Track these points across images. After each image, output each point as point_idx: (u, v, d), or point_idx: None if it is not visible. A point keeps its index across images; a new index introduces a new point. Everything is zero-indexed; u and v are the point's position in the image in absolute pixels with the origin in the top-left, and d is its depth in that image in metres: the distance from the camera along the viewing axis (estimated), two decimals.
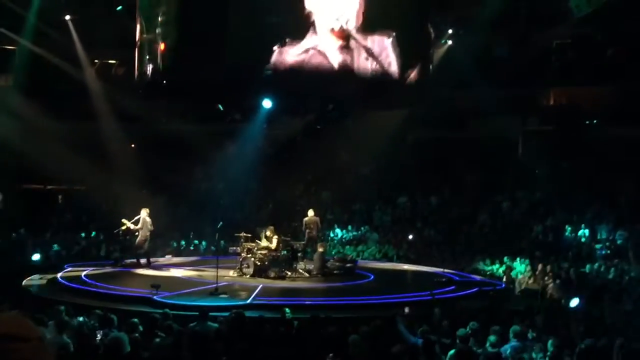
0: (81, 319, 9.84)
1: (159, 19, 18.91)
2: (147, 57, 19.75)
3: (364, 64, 19.56)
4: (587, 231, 20.87)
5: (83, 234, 22.63)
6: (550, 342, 8.86)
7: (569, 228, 21.30)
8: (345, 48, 19.34)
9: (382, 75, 18.90)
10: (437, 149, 26.60)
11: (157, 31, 18.72)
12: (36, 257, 18.92)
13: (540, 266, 18.33)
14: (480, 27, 20.94)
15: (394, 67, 19.37)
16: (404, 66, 19.42)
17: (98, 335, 8.78)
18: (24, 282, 15.85)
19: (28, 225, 21.54)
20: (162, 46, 18.89)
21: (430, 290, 13.55)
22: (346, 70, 18.35)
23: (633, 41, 23.13)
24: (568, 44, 26.07)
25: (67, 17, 22.67)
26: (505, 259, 19.57)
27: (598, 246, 20.20)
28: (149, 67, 19.48)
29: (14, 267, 17.92)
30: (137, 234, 17.89)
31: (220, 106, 21.62)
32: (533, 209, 23.15)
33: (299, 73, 17.94)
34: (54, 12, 22.06)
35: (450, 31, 22.28)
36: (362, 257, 22.02)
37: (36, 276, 16.71)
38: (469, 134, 26.39)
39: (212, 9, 17.44)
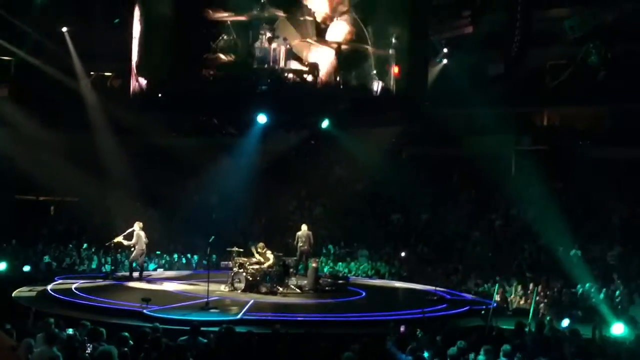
0: (71, 331, 9.76)
1: (156, 31, 18.94)
2: (143, 69, 19.76)
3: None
4: (579, 252, 20.87)
5: (74, 246, 22.52)
6: None
7: (561, 248, 21.31)
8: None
9: (377, 92, 18.93)
10: (431, 166, 26.68)
11: (153, 44, 18.72)
12: (26, 268, 18.81)
13: (531, 286, 18.33)
14: (475, 47, 21.08)
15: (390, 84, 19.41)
16: (400, 83, 19.47)
17: (88, 349, 8.71)
18: (13, 294, 15.74)
19: (19, 236, 21.43)
20: (158, 59, 18.89)
21: (422, 309, 13.56)
22: (341, 86, 18.40)
23: (626, 62, 23.30)
24: (562, 65, 26.24)
25: (64, 29, 22.71)
26: (497, 277, 19.55)
27: (590, 266, 20.19)
28: (144, 80, 19.47)
29: (4, 277, 17.81)
30: (132, 249, 17.82)
31: (214, 120, 21.63)
32: (525, 228, 23.17)
33: (295, 88, 17.96)
34: (50, 24, 22.10)
35: (445, 50, 22.42)
36: (354, 273, 22.00)
37: (26, 288, 16.62)
38: (463, 152, 26.49)
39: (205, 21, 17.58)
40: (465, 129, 25.99)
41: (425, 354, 9.29)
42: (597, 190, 22.97)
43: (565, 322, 13.86)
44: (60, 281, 17.50)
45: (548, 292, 17.76)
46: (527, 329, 12.63)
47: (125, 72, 22.25)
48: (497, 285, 19.19)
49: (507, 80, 24.18)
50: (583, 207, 23.01)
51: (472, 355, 9.38)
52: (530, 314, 14.50)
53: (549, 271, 19.78)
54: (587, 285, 18.51)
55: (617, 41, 22.89)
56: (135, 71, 19.06)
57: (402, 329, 11.14)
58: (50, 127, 22.97)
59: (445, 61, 22.78)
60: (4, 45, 22.82)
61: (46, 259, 21.16)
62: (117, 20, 21.39)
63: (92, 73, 25.22)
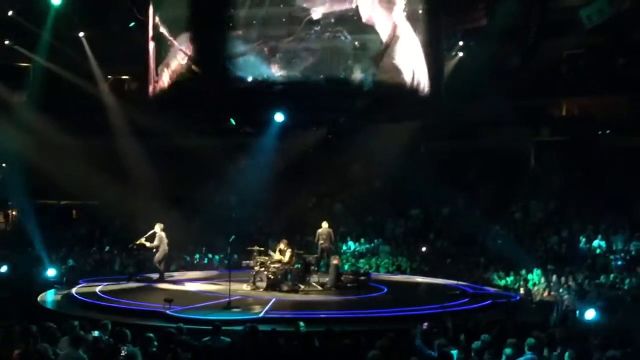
0: (97, 333, 9.85)
1: (171, 35, 19.06)
2: (160, 72, 19.90)
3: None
4: (602, 242, 20.71)
5: (97, 249, 22.73)
6: (567, 354, 8.79)
7: (584, 239, 21.16)
8: None
9: (394, 87, 18.88)
10: (450, 160, 26.56)
11: (169, 46, 18.85)
12: (51, 272, 19.01)
13: (554, 277, 18.23)
14: (491, 38, 20.93)
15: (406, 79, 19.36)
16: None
17: (123, 351, 8.75)
18: (38, 298, 15.92)
19: (43, 240, 21.66)
20: (174, 61, 18.99)
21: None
22: (359, 82, 18.38)
23: None
24: (579, 54, 26.02)
25: (81, 34, 22.90)
26: (520, 270, 19.45)
27: (613, 257, 20.05)
28: (162, 82, 19.59)
29: (29, 282, 18.02)
30: (155, 250, 17.94)
31: (232, 120, 21.70)
32: (547, 220, 23.03)
33: (311, 86, 17.97)
34: (67, 29, 22.28)
35: (461, 43, 22.28)
36: (375, 269, 22.00)
37: (51, 291, 16.81)
38: (481, 145, 26.35)
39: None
40: (483, 122, 25.86)
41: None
42: (618, 180, 22.78)
43: (590, 314, 13.75)
44: (84, 284, 17.66)
45: (572, 284, 17.62)
46: (551, 322, 12.57)
47: (142, 75, 22.45)
48: (519, 277, 19.14)
49: (524, 72, 24.01)
50: (604, 198, 22.80)
51: (492, 351, 9.34)
52: (555, 306, 14.42)
53: (572, 263, 19.66)
54: (612, 276, 18.39)
55: (634, 29, 22.64)
56: (153, 73, 19.20)
57: (424, 325, 11.11)
58: (69, 131, 23.14)
59: (460, 54, 22.63)
60: (21, 52, 23.05)
61: (70, 262, 21.37)
62: (132, 24, 21.49)
63: (109, 77, 25.40)
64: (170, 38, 18.78)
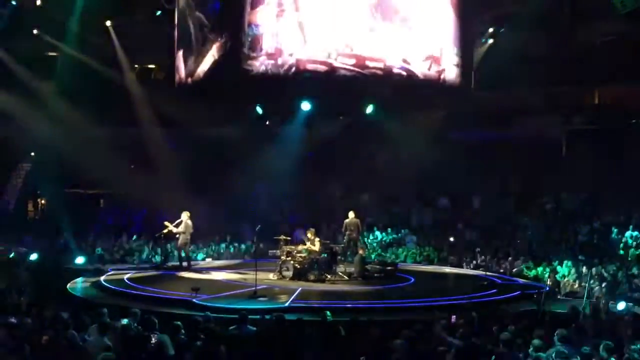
0: (126, 321, 9.88)
1: (198, 22, 19.03)
2: (187, 61, 19.89)
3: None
4: (635, 232, 20.30)
5: (125, 237, 22.89)
6: (602, 345, 8.60)
7: (616, 230, 20.76)
8: None
9: (422, 75, 18.68)
10: (479, 150, 26.20)
11: (193, 36, 18.84)
12: (80, 260, 19.19)
13: (584, 269, 17.91)
14: (521, 25, 20.56)
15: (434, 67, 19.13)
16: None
17: (153, 338, 8.75)
18: (68, 285, 16.07)
19: (71, 229, 21.87)
20: (200, 50, 18.97)
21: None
22: (385, 70, 18.17)
23: None
24: (613, 41, 25.45)
25: (108, 23, 22.98)
26: (550, 261, 19.15)
27: None
28: (189, 71, 19.59)
29: (58, 270, 18.20)
30: (178, 236, 18.02)
31: (259, 109, 21.64)
32: (578, 211, 22.65)
33: (338, 75, 17.83)
34: (95, 19, 22.36)
35: (490, 30, 21.93)
36: (402, 259, 21.84)
37: (80, 279, 16.96)
38: (511, 134, 25.96)
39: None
40: (513, 110, 25.47)
41: None
42: None
43: (622, 305, 13.49)
44: (112, 272, 17.79)
45: (604, 275, 17.30)
46: (581, 313, 12.35)
47: (168, 64, 22.48)
48: (548, 268, 18.85)
49: (555, 59, 23.57)
50: (637, 188, 22.33)
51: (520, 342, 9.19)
52: (585, 297, 14.15)
53: (604, 253, 19.31)
54: None
55: None
56: (179, 62, 19.21)
57: (452, 319, 10.97)
58: (96, 120, 23.29)
59: (491, 41, 22.28)
60: (49, 41, 23.21)
61: (99, 250, 21.58)
62: (159, 13, 21.51)
63: (136, 66, 25.49)
64: (195, 27, 18.72)
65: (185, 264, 18.33)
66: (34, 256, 19.19)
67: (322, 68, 18.08)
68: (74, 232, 21.69)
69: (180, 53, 20.57)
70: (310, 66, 18.12)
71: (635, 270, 17.79)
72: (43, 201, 27.33)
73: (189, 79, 19.91)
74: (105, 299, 14.30)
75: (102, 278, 16.62)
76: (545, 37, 22.84)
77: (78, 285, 16.38)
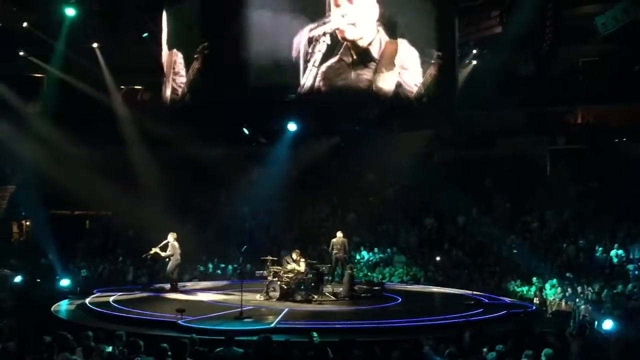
0: (109, 349, 9.78)
1: (185, 44, 19.06)
2: (173, 81, 19.91)
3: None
4: (620, 251, 20.44)
5: (110, 259, 22.74)
6: None
7: (600, 248, 20.90)
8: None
9: (407, 96, 18.76)
10: (464, 169, 26.39)
11: (181, 56, 18.84)
12: (65, 282, 19.04)
13: (571, 288, 18.00)
14: (505, 46, 20.80)
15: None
16: (429, 86, 19.27)
17: None
18: (52, 308, 15.92)
19: (56, 251, 21.71)
20: (187, 71, 19.00)
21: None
22: (371, 91, 18.22)
23: None
24: (595, 62, 25.83)
25: (95, 45, 23.01)
26: (535, 280, 19.23)
27: (631, 267, 19.78)
28: (175, 92, 19.60)
29: (43, 292, 18.04)
30: (167, 260, 17.95)
31: (245, 130, 21.69)
32: (563, 229, 22.79)
33: (324, 95, 17.86)
34: (81, 40, 22.38)
35: (474, 51, 22.18)
36: (390, 279, 21.85)
37: (65, 301, 16.81)
38: (496, 154, 26.19)
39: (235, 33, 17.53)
40: (498, 131, 25.71)
41: None
42: (635, 188, 22.53)
43: (608, 324, 13.54)
44: (98, 294, 17.66)
45: (588, 294, 17.39)
46: (568, 332, 12.39)
47: (155, 85, 22.49)
48: (534, 287, 18.92)
49: (539, 80, 23.85)
50: (621, 206, 22.54)
51: None
52: (572, 316, 14.22)
53: (589, 272, 19.42)
54: (630, 285, 18.14)
55: None
56: (165, 83, 19.21)
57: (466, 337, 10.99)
58: (82, 141, 23.23)
59: (474, 62, 22.52)
60: (36, 62, 23.18)
61: (84, 272, 21.41)
62: (146, 35, 21.57)
63: (122, 87, 25.48)
64: (182, 49, 18.74)
65: (169, 286, 18.24)
66: (18, 278, 19.00)
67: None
68: (59, 254, 21.53)
69: (165, 74, 20.58)
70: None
71: (620, 289, 17.90)
72: (28, 223, 27.11)
73: (175, 100, 19.90)
74: (90, 321, 14.16)
75: (87, 300, 16.48)
76: (528, 59, 23.11)
77: (63, 307, 16.24)
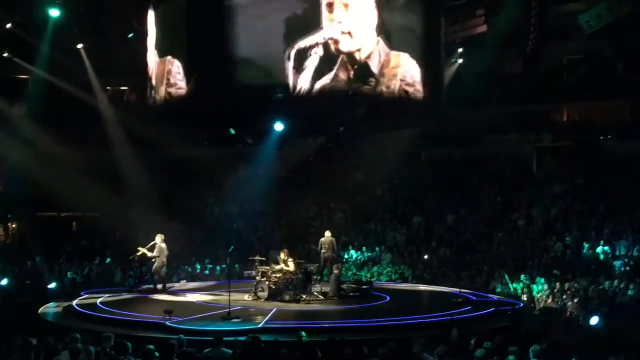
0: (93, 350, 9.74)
1: (169, 44, 18.95)
2: (159, 82, 19.82)
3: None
4: (606, 248, 20.60)
5: (97, 261, 22.64)
6: None
7: (587, 245, 21.05)
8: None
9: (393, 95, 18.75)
10: (451, 168, 26.51)
11: (167, 57, 18.73)
12: (52, 285, 18.94)
13: (558, 284, 18.11)
14: (490, 45, 20.90)
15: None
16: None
17: None
18: (40, 310, 15.83)
19: (43, 252, 21.59)
20: (172, 72, 18.91)
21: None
22: (357, 90, 18.15)
23: None
24: (580, 60, 26.01)
25: (80, 46, 22.88)
26: (523, 277, 19.33)
27: (617, 263, 19.94)
28: (161, 92, 19.51)
29: (29, 295, 17.93)
30: (153, 260, 17.89)
31: (231, 130, 21.66)
32: (549, 226, 22.93)
33: (311, 96, 17.77)
34: (66, 41, 22.26)
35: (460, 50, 22.26)
36: (378, 278, 21.89)
37: (52, 304, 16.72)
38: (482, 152, 26.31)
39: (221, 32, 17.38)
40: (484, 129, 25.84)
41: None
42: (620, 185, 22.71)
43: (594, 320, 13.65)
44: (85, 296, 17.58)
45: (575, 290, 17.50)
46: (554, 329, 12.48)
47: (140, 85, 22.39)
48: (522, 284, 19.02)
49: (524, 78, 23.98)
50: (607, 203, 22.72)
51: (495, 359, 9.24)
52: (558, 313, 14.31)
53: (576, 269, 19.55)
54: (615, 282, 18.27)
55: (634, 34, 22.61)
56: (151, 84, 19.08)
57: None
58: (69, 143, 23.12)
59: (460, 61, 22.61)
60: (20, 64, 23.04)
61: (70, 274, 21.30)
62: (131, 35, 21.48)
63: (108, 88, 25.37)
64: (167, 49, 18.59)
65: (160, 286, 18.19)
66: (4, 281, 18.88)
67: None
68: (46, 256, 21.41)
69: (151, 75, 20.46)
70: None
71: (606, 285, 18.03)
72: (14, 225, 26.95)
73: (161, 101, 19.76)
74: (77, 323, 14.09)
75: (74, 302, 16.38)
76: (514, 57, 23.24)
77: (50, 309, 16.14)
